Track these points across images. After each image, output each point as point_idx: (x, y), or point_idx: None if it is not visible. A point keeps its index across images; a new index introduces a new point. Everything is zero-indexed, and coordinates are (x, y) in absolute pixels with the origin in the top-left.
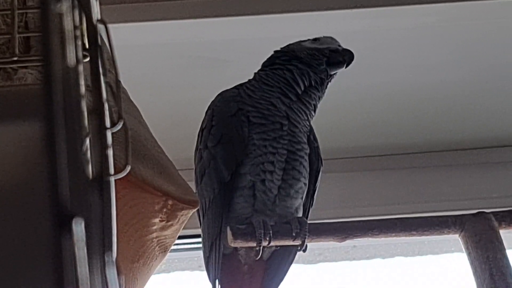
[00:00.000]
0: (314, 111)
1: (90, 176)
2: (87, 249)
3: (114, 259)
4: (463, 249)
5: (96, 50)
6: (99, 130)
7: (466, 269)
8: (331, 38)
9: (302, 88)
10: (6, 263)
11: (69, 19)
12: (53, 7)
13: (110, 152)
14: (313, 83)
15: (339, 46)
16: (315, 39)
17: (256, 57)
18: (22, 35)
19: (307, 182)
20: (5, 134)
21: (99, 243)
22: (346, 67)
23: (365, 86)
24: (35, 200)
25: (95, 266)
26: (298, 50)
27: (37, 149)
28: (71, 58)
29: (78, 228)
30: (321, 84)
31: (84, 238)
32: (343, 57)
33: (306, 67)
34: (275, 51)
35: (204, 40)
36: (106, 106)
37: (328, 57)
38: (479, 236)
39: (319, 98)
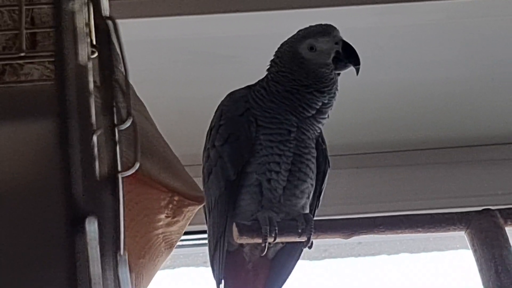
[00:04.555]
0: (327, 118)
1: (102, 174)
2: (100, 248)
3: (126, 258)
4: (469, 246)
5: (107, 47)
6: (111, 127)
7: (471, 266)
8: (325, 35)
9: (314, 112)
10: (20, 262)
11: (81, 17)
12: (66, 5)
13: (118, 149)
14: (326, 101)
15: (337, 43)
16: (311, 48)
17: (263, 53)
18: (29, 31)
19: (314, 182)
20: (17, 133)
21: (111, 242)
22: (357, 74)
23: (372, 83)
24: (49, 200)
25: (108, 265)
26: (302, 76)
27: (49, 148)
28: (83, 56)
29: (92, 227)
30: (334, 92)
31: (97, 237)
32: (349, 61)
33: (315, 92)
34: (277, 63)
35: (211, 36)
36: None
37: (334, 68)
38: (485, 233)
39: (332, 104)
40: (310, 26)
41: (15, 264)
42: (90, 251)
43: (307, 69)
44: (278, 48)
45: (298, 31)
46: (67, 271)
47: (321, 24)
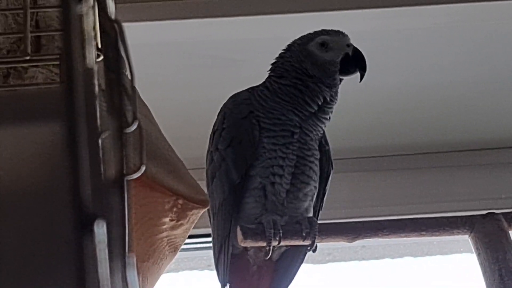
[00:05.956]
0: (329, 119)
1: (109, 177)
2: (108, 250)
3: (134, 261)
4: (473, 250)
5: (114, 50)
6: (119, 130)
7: (475, 270)
8: (339, 36)
9: (316, 108)
10: (29, 264)
11: (89, 20)
12: (74, 8)
13: (124, 152)
14: (328, 99)
15: (349, 45)
16: (322, 44)
17: (267, 56)
18: (34, 34)
19: (317, 185)
20: (25, 136)
21: (119, 245)
22: (360, 80)
23: (375, 86)
24: (57, 202)
25: (116, 267)
26: (308, 66)
27: (58, 151)
28: (90, 59)
29: (100, 230)
30: (336, 94)
31: (106, 240)
32: (355, 67)
33: (319, 84)
34: (283, 57)
35: (215, 39)
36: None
37: (340, 69)
38: (489, 236)
39: (333, 107)
40: (323, 29)
41: (24, 267)
42: (98, 253)
43: (315, 62)
44: (288, 44)
45: (311, 31)
46: (76, 274)
47: (334, 29)
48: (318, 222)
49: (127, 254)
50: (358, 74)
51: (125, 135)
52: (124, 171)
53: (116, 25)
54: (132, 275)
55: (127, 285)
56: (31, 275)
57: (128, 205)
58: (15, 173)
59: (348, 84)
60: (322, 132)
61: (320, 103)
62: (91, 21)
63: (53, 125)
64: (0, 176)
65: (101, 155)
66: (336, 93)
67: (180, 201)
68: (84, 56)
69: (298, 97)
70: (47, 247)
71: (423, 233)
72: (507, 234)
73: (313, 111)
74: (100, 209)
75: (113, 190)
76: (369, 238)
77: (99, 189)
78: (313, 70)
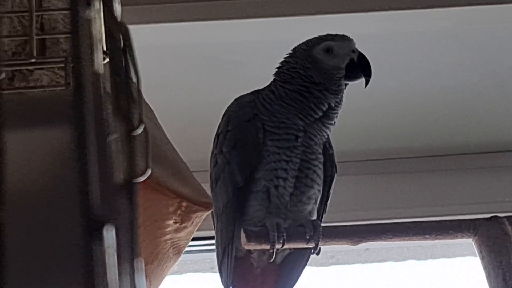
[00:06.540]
0: (334, 124)
1: (117, 181)
2: (117, 255)
3: (143, 265)
4: (476, 253)
5: (121, 53)
6: (127, 134)
7: (479, 273)
8: (344, 41)
9: (321, 114)
10: (37, 269)
11: (97, 24)
12: (83, 12)
13: (131, 155)
14: (333, 105)
15: (354, 51)
16: (327, 49)
17: (270, 59)
18: (40, 37)
19: (321, 188)
20: (33, 140)
21: (128, 249)
22: (365, 86)
23: (378, 89)
24: (66, 207)
25: (125, 272)
26: (314, 73)
27: (66, 155)
28: (98, 63)
29: (109, 235)
30: (341, 99)
31: (115, 245)
32: (360, 73)
33: (324, 91)
34: (288, 62)
35: (219, 42)
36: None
37: (345, 74)
38: (493, 240)
39: (338, 112)
40: (328, 34)
41: (33, 271)
42: (107, 258)
43: (320, 69)
44: (293, 49)
45: (316, 36)
46: (85, 278)
47: (339, 34)
48: (322, 225)
49: (135, 258)
50: (363, 79)
51: (131, 138)
52: (132, 175)
53: (122, 28)
54: (140, 279)
55: None
56: (39, 280)
57: (136, 208)
58: (23, 177)
59: (352, 87)
60: (326, 136)
61: (325, 109)
62: (98, 25)
63: (61, 128)
64: (9, 180)
65: (110, 159)
66: (341, 98)
67: (184, 204)
68: (92, 60)
69: (303, 103)
70: (55, 252)
71: (427, 236)
72: (511, 238)
73: (318, 117)
74: (109, 213)
75: (122, 194)
76: (373, 241)
77: (108, 193)
78: (318, 77)
